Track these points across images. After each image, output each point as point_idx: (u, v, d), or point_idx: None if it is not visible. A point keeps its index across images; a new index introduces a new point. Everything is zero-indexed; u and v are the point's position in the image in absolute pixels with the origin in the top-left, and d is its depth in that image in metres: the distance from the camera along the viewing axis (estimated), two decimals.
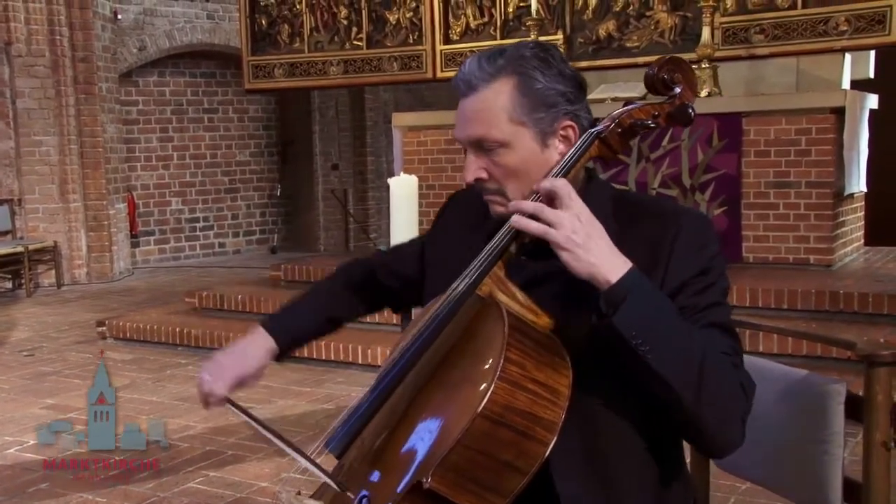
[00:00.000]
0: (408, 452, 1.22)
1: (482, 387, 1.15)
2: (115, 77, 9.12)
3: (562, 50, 1.42)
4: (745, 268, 5.49)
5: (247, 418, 1.41)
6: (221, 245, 10.66)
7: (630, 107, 1.36)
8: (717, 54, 5.81)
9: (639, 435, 1.33)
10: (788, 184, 5.47)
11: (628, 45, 6.39)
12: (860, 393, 1.52)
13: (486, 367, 1.17)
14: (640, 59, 6.26)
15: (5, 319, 7.03)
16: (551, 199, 1.24)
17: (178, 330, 5.83)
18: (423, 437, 1.21)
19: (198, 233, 10.46)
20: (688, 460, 1.61)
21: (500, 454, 1.15)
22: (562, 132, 1.33)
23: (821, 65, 6.61)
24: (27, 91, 8.37)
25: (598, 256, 1.21)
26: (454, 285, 1.30)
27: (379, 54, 7.24)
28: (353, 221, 10.69)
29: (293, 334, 1.64)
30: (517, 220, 1.24)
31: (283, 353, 1.62)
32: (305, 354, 5.25)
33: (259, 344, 1.60)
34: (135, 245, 9.75)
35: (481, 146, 1.33)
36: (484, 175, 1.34)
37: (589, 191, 1.33)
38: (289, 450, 1.33)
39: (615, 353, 1.23)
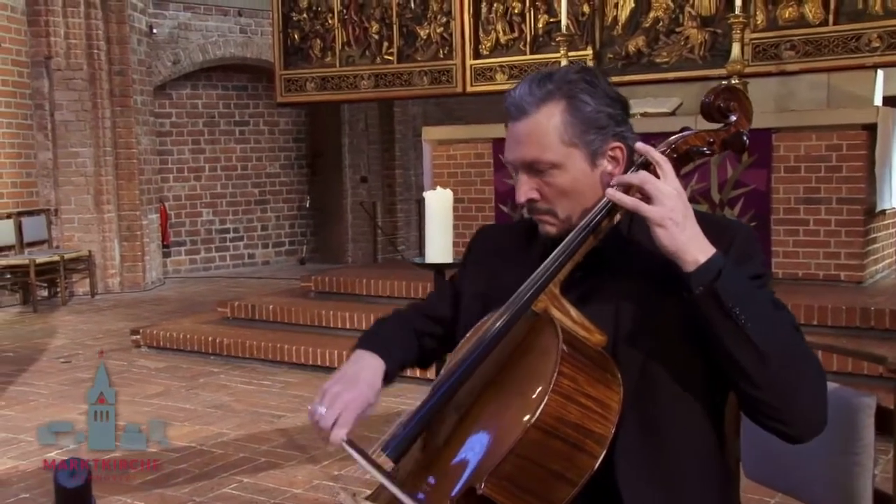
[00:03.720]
0: (462, 459, 1.26)
1: (536, 398, 1.20)
2: (149, 90, 9.29)
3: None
4: (774, 284, 5.45)
5: (363, 461, 1.32)
6: (251, 256, 10.79)
7: (686, 133, 1.40)
8: (747, 70, 5.82)
9: (700, 442, 1.37)
10: (819, 200, 5.46)
11: (658, 60, 6.42)
12: (891, 407, 1.56)
13: (540, 379, 1.21)
14: (670, 75, 6.30)
15: (43, 327, 7.17)
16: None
17: (210, 339, 5.92)
18: (477, 444, 1.26)
19: (228, 244, 10.60)
20: None
21: (551, 464, 1.20)
22: (610, 153, 1.39)
23: (852, 81, 6.59)
24: (65, 104, 8.56)
25: (691, 236, 1.26)
26: (509, 302, 1.35)
27: (409, 68, 7.33)
28: (381, 234, 10.78)
29: (396, 360, 1.54)
30: (612, 194, 1.29)
31: (388, 380, 1.51)
32: (336, 364, 5.31)
33: (370, 366, 1.48)
34: (166, 255, 9.90)
35: (533, 168, 1.38)
36: (536, 196, 1.39)
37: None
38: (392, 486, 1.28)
39: (706, 332, 1.25)
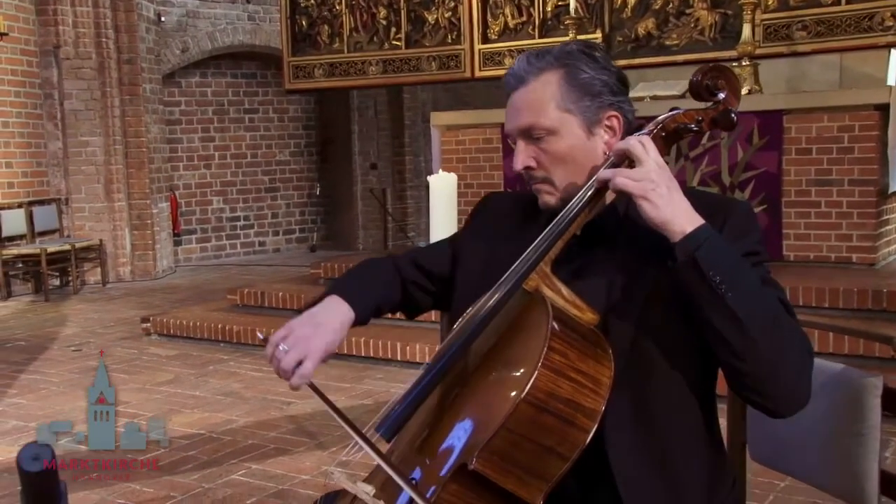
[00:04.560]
0: (455, 436, 1.26)
1: (526, 374, 1.20)
2: (158, 78, 9.29)
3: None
4: (785, 266, 5.44)
5: (325, 404, 1.34)
6: (261, 244, 10.80)
7: (674, 112, 1.41)
8: (759, 52, 5.76)
9: (689, 416, 1.37)
10: (830, 181, 5.40)
11: (668, 43, 6.37)
12: None
13: (531, 355, 1.21)
14: (680, 58, 6.25)
15: (54, 316, 7.21)
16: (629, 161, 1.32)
17: (219, 326, 5.93)
18: (469, 422, 1.26)
19: (238, 231, 10.62)
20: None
21: (543, 440, 1.20)
22: (607, 122, 1.40)
23: (865, 61, 6.52)
24: (74, 93, 8.57)
25: (677, 207, 1.27)
26: (501, 280, 1.35)
27: (418, 54, 7.29)
28: (391, 220, 10.76)
29: (368, 308, 1.52)
30: (602, 174, 1.31)
31: (353, 326, 1.49)
32: (345, 351, 5.31)
33: (339, 314, 1.46)
34: (177, 243, 9.92)
35: (530, 135, 1.40)
36: (533, 163, 1.41)
37: None
38: (361, 442, 1.28)
39: (690, 301, 1.26)
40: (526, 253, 1.34)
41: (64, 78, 8.53)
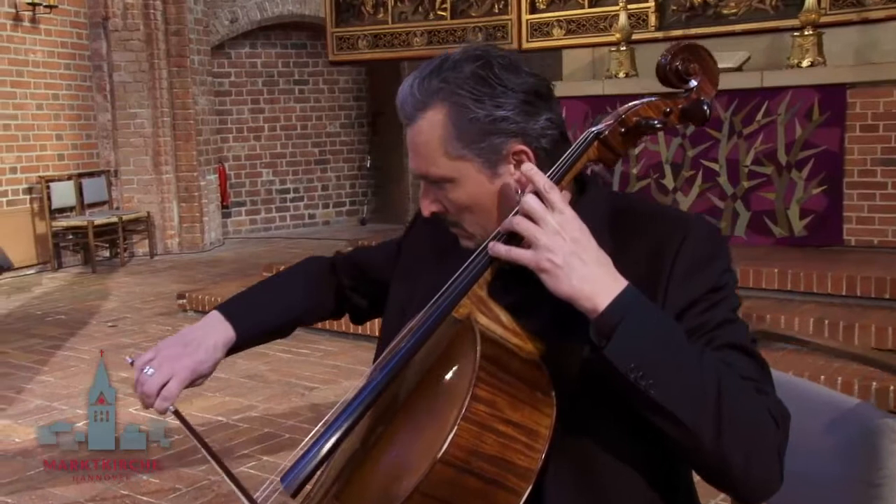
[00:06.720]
0: (370, 492, 1.09)
1: (445, 428, 1.00)
2: (206, 49, 9.22)
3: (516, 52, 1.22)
4: (844, 252, 5.10)
5: (191, 436, 1.28)
6: (311, 216, 10.73)
7: (638, 102, 1.18)
8: (824, 20, 5.37)
9: (644, 475, 1.14)
10: None
11: (725, 12, 5.99)
12: None
13: (453, 404, 1.02)
14: (738, 28, 5.88)
15: (98, 288, 7.24)
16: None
17: None
18: (381, 480, 1.08)
19: (288, 204, 10.56)
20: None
21: None
22: (514, 156, 1.15)
23: None
24: (123, 65, 8.57)
25: (583, 277, 1.04)
26: (428, 306, 1.15)
27: (463, 24, 7.04)
28: None
29: (257, 328, 1.42)
30: (492, 247, 1.10)
31: (240, 348, 1.39)
32: (369, 332, 5.16)
33: (215, 333, 1.35)
34: (226, 216, 9.91)
35: (429, 180, 1.19)
36: (438, 208, 1.21)
37: (580, 205, 1.14)
38: (225, 477, 1.23)
39: (614, 390, 1.05)
40: (458, 273, 1.14)
41: (112, 50, 8.53)
